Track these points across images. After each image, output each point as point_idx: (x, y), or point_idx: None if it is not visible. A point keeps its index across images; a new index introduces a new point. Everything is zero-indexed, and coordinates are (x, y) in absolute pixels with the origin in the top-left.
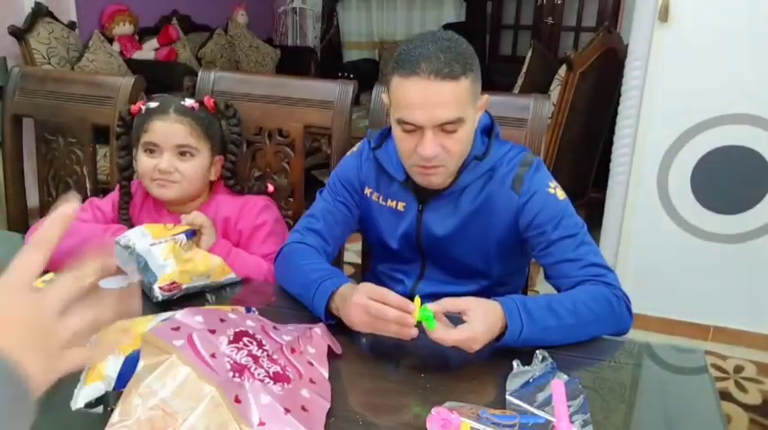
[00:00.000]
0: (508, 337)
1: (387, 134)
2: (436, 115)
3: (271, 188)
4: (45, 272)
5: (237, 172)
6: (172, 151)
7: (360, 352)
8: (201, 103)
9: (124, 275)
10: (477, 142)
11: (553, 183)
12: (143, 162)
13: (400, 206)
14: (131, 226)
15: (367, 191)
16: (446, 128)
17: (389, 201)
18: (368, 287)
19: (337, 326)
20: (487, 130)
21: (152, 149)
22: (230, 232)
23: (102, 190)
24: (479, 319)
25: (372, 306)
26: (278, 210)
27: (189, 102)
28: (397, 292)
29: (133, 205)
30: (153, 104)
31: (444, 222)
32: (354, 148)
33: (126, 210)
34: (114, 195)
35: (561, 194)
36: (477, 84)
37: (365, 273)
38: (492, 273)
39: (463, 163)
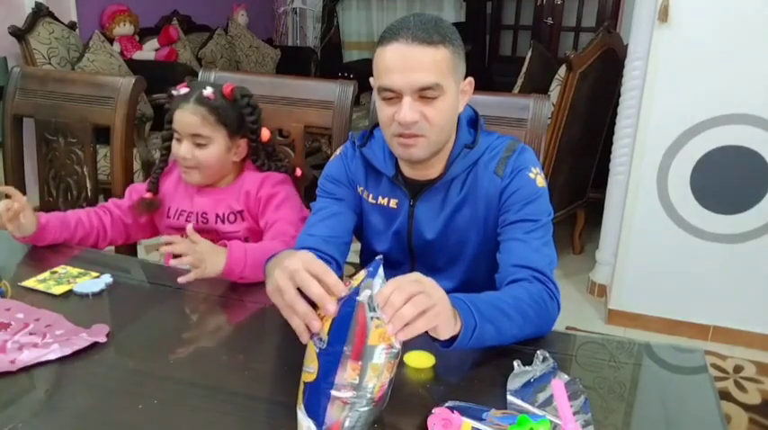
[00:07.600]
0: (465, 328)
1: (370, 133)
2: (414, 79)
3: (299, 172)
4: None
5: (260, 151)
6: (189, 139)
7: None
8: (221, 91)
9: None
10: (464, 132)
11: (536, 169)
12: (173, 148)
13: (392, 203)
14: (156, 193)
15: (359, 189)
16: (425, 94)
17: (380, 198)
18: (309, 256)
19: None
20: (473, 122)
21: (178, 138)
22: (251, 203)
23: (102, 190)
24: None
25: (300, 273)
26: (294, 188)
27: (208, 91)
28: None
29: (169, 181)
30: (183, 91)
31: (435, 216)
32: (337, 152)
33: (156, 177)
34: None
35: (541, 182)
36: (458, 60)
37: None
38: (480, 267)
39: (453, 152)
